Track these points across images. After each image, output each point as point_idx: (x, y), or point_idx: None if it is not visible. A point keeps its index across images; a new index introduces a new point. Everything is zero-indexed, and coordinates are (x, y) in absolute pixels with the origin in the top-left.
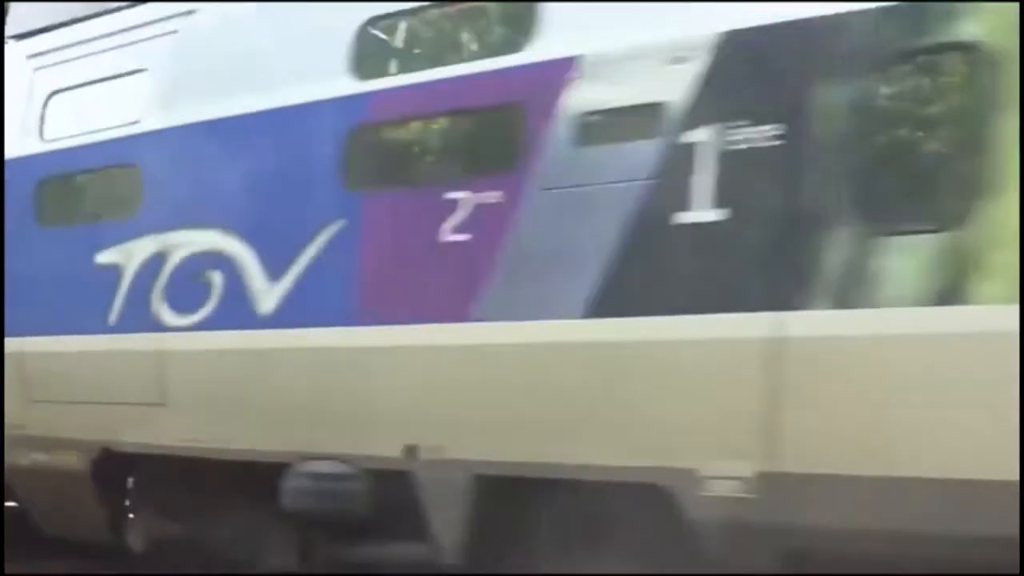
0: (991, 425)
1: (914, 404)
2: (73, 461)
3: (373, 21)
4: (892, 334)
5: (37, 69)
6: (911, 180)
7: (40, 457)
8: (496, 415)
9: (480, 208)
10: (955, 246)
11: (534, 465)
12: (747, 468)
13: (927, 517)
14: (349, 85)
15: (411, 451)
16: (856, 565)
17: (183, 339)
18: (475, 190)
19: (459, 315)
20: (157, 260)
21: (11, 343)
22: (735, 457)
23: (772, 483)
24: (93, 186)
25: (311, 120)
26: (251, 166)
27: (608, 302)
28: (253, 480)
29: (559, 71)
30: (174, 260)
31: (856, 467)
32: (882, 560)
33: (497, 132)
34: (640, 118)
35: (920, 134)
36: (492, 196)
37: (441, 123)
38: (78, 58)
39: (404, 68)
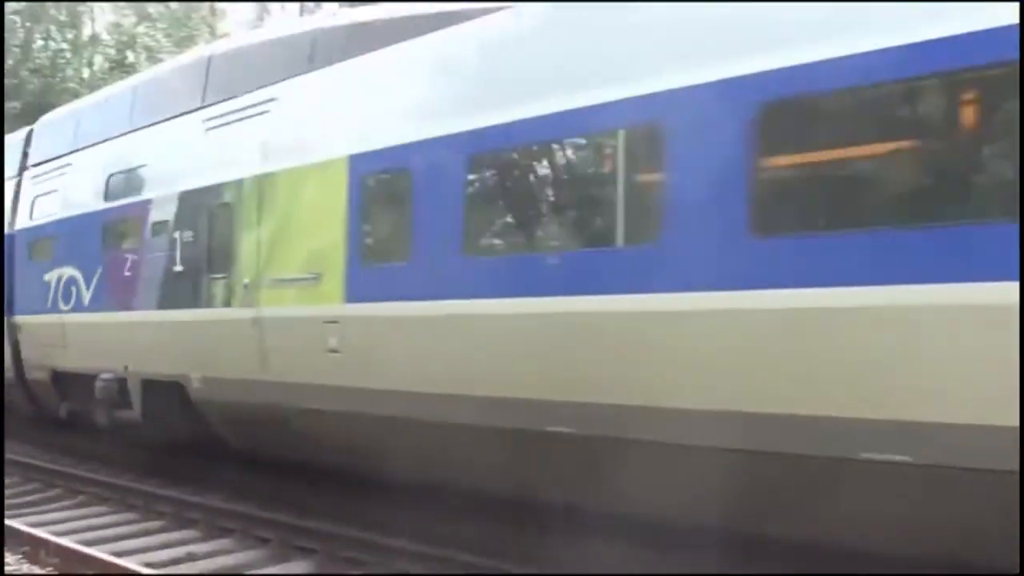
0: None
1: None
2: (45, 375)
3: (112, 175)
4: (227, 319)
5: (33, 184)
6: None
7: (37, 373)
8: (145, 354)
9: (133, 262)
10: (230, 284)
11: (153, 374)
12: (201, 375)
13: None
14: (103, 204)
15: (126, 368)
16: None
17: (67, 316)
18: (131, 254)
19: (129, 308)
20: (58, 280)
21: (19, 317)
22: (199, 370)
23: (209, 382)
24: (46, 244)
25: (93, 220)
26: (82, 237)
27: (161, 303)
28: (91, 382)
29: (147, 204)
30: (63, 280)
31: (237, 373)
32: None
33: (135, 229)
34: (165, 226)
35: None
36: (134, 257)
37: (125, 223)
38: (42, 181)
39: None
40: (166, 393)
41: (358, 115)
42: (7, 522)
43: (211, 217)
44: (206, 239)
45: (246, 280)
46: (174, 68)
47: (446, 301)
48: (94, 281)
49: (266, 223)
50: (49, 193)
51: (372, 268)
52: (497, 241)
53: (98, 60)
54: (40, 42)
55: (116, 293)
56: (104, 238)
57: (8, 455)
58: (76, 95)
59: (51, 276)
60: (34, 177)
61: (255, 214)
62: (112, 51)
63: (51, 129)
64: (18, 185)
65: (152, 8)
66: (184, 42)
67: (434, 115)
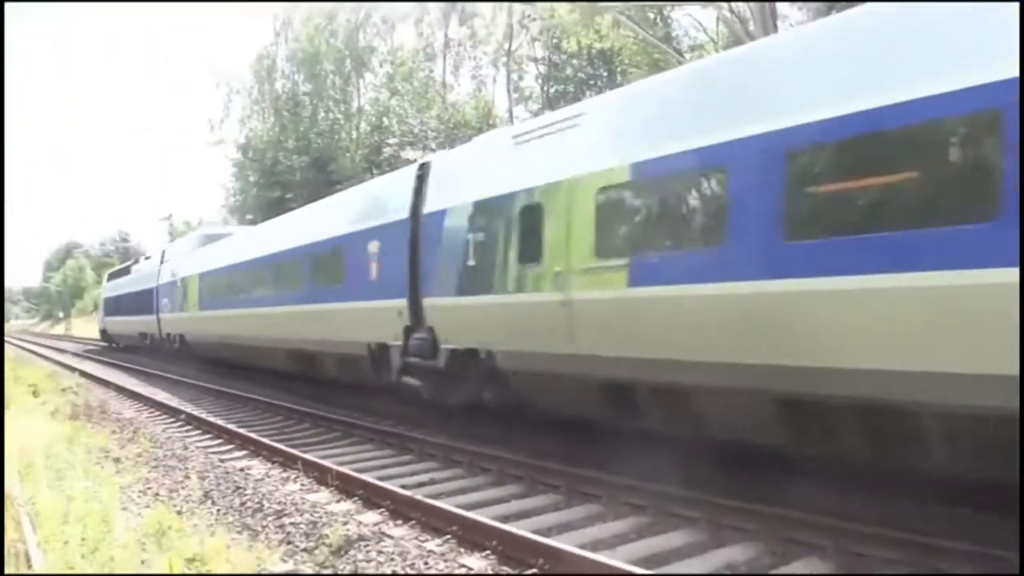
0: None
1: (198, 323)
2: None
3: (172, 270)
4: (188, 316)
5: (163, 266)
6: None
7: (169, 334)
8: (180, 327)
9: (176, 296)
10: (186, 305)
11: (181, 333)
12: (188, 332)
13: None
14: (170, 279)
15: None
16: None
17: (167, 314)
18: (175, 295)
19: (179, 312)
20: (164, 302)
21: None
22: (187, 330)
23: (192, 334)
24: (167, 289)
25: (173, 283)
26: (170, 289)
27: (180, 310)
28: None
29: (176, 280)
30: (166, 301)
31: (198, 331)
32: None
33: (176, 288)
34: (178, 288)
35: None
36: (176, 296)
37: (173, 286)
38: (167, 263)
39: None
40: (184, 340)
41: (199, 262)
42: (304, 455)
43: (184, 287)
44: (183, 294)
45: (186, 304)
46: (184, 241)
47: (217, 311)
48: (163, 307)
49: (189, 290)
50: (163, 271)
51: (204, 302)
52: (223, 294)
53: (363, 126)
54: (322, 113)
55: (173, 306)
56: (170, 289)
57: (300, 408)
58: (347, 151)
59: (165, 301)
60: (164, 263)
61: (186, 288)
62: (373, 118)
63: (169, 251)
64: (160, 265)
65: (400, 86)
66: (424, 109)
67: (207, 263)
